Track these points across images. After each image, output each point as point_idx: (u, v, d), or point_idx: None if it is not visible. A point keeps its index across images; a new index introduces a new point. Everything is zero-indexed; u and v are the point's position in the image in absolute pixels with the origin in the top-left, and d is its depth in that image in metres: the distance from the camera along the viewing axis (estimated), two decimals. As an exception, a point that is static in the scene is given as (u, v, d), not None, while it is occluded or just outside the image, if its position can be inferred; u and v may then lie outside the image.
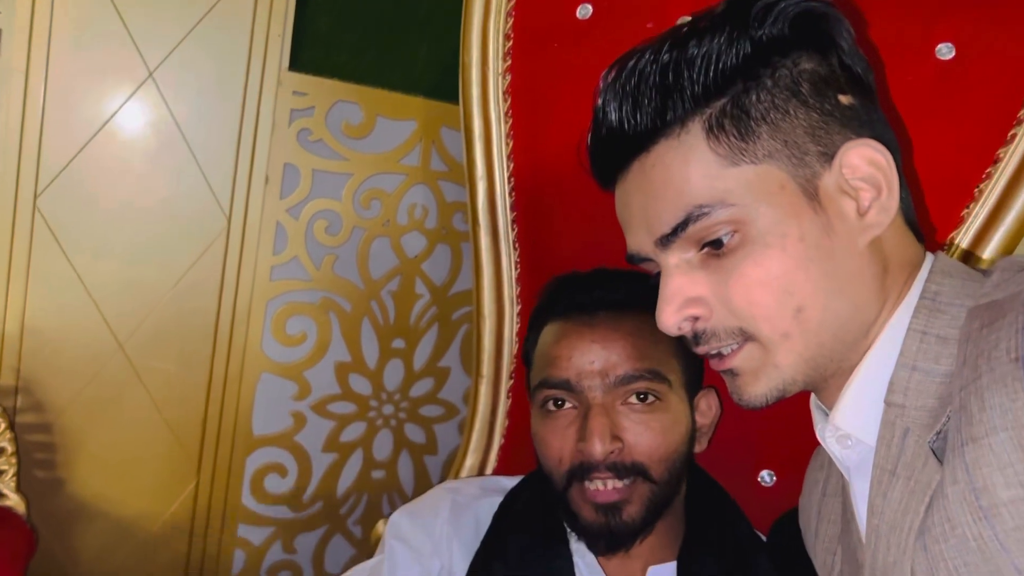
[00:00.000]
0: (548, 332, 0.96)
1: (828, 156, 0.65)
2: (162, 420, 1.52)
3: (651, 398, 0.89)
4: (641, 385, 0.89)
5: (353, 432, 1.71)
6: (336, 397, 1.67)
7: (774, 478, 1.05)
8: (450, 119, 1.69)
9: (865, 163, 0.65)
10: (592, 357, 0.89)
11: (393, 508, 1.79)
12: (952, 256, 0.89)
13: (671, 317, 0.68)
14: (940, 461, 0.59)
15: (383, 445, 1.75)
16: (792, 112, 0.65)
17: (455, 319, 1.78)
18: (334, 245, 1.63)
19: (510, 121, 1.10)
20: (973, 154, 0.95)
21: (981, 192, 0.95)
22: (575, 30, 1.07)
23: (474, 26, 1.09)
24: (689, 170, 0.65)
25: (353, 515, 1.73)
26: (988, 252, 0.95)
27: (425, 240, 1.71)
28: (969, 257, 0.96)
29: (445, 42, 1.70)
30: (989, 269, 0.67)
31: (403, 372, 1.74)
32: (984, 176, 0.95)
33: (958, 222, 0.96)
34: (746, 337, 0.66)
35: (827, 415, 0.72)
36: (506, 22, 1.08)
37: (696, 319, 0.68)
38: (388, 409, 1.74)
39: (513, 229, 1.13)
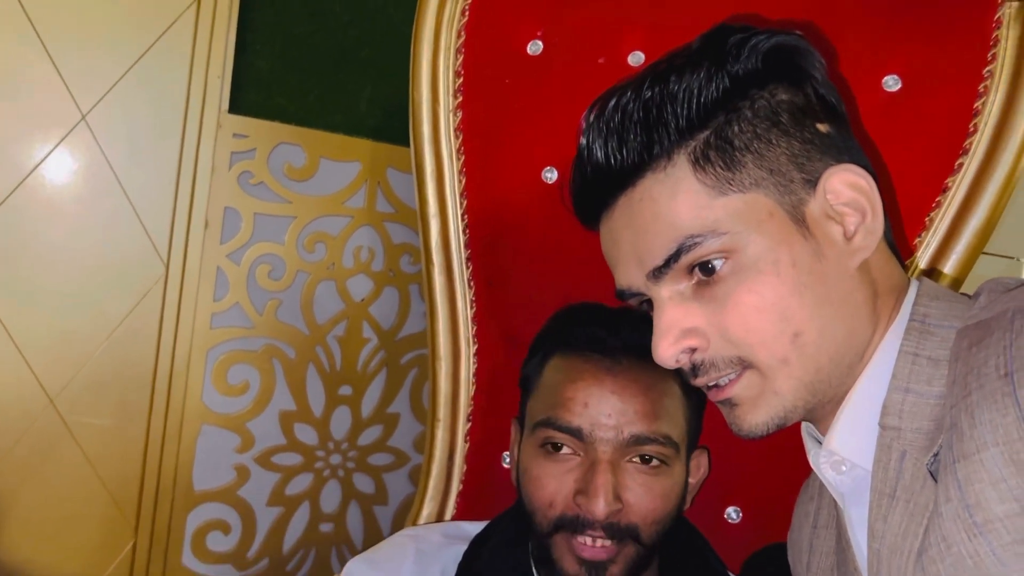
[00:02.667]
0: (560, 365, 0.90)
1: (812, 183, 0.67)
2: (97, 478, 1.43)
3: (657, 461, 0.86)
4: (652, 448, 0.85)
5: (299, 484, 1.64)
6: (281, 448, 1.61)
7: (740, 515, 1.03)
8: (396, 160, 1.67)
9: (848, 188, 0.67)
10: (609, 409, 0.85)
11: (342, 562, 1.72)
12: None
13: (668, 349, 0.67)
14: (936, 482, 0.60)
15: (331, 497, 1.69)
16: (774, 141, 0.67)
17: (404, 363, 1.74)
18: (277, 290, 1.58)
19: (463, 158, 1.09)
20: (922, 184, 0.97)
21: (932, 221, 0.97)
22: (526, 66, 1.06)
23: (423, 63, 1.08)
24: (678, 202, 0.66)
25: (300, 572, 1.66)
26: (941, 281, 0.97)
27: (372, 283, 1.68)
28: (923, 285, 0.97)
29: (390, 83, 1.69)
30: (976, 291, 0.68)
31: (350, 420, 1.69)
32: (934, 205, 0.97)
33: (911, 251, 0.98)
34: (745, 365, 0.66)
35: (819, 442, 0.72)
36: (456, 59, 1.07)
37: (693, 350, 0.67)
38: (335, 459, 1.68)
39: (468, 267, 1.10)
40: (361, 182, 1.65)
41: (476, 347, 1.12)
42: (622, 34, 1.03)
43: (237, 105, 1.51)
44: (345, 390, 1.67)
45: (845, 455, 0.68)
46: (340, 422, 1.68)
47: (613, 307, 0.94)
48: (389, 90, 1.69)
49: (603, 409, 0.85)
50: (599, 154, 0.69)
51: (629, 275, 0.70)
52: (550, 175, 1.05)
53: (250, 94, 1.55)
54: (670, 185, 0.67)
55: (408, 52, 1.11)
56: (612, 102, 0.69)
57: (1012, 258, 1.72)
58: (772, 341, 0.64)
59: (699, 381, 0.69)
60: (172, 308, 1.47)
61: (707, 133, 0.67)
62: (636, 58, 1.02)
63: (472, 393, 1.12)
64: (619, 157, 0.68)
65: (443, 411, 1.12)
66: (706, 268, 0.66)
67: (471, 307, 1.11)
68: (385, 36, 1.68)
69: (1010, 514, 0.54)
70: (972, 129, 0.94)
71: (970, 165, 0.95)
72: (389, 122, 1.68)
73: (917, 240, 0.97)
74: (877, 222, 0.67)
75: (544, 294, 1.05)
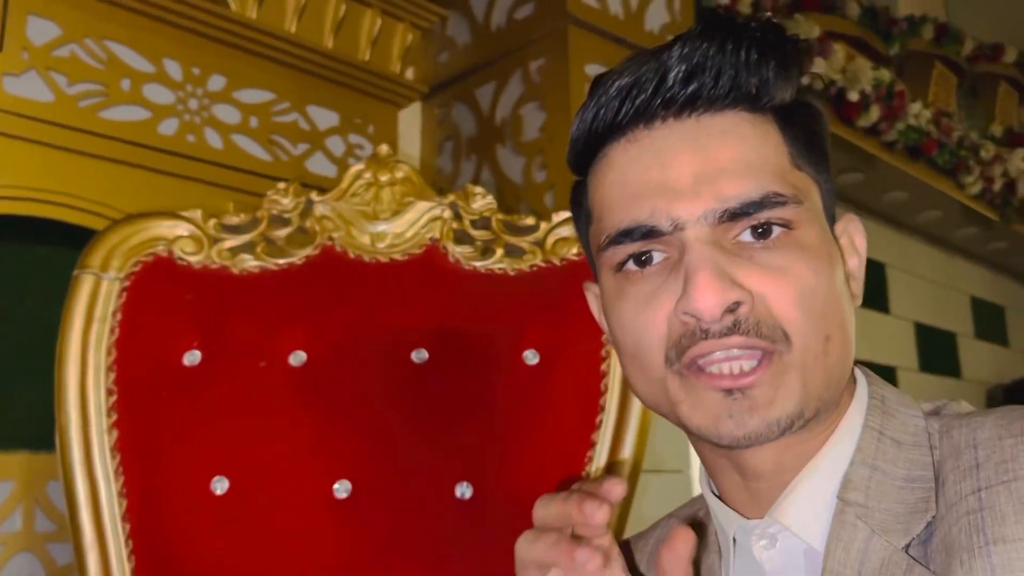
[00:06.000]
0: None
1: (834, 213, 0.65)
2: None
3: None
4: None
5: None
6: None
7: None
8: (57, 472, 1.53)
9: (859, 235, 0.66)
10: None
11: None
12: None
13: (718, 295, 0.56)
14: (927, 567, 0.56)
15: None
16: (827, 150, 0.65)
17: None
18: (-92, 652, 1.32)
19: (122, 479, 1.01)
20: (573, 442, 1.07)
21: (588, 474, 1.05)
22: (185, 377, 1.04)
23: (70, 386, 1.03)
24: (767, 152, 0.60)
25: None
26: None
27: (34, 617, 1.46)
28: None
29: (47, 390, 1.57)
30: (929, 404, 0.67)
31: None
32: (586, 460, 1.06)
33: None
34: (776, 347, 0.57)
35: (729, 508, 0.65)
36: (107, 377, 1.03)
37: (739, 305, 0.57)
38: None
39: (137, 595, 1.00)
40: (16, 503, 1.47)
41: None
42: (282, 336, 1.06)
43: None
44: None
45: (797, 531, 0.61)
46: None
47: None
48: (47, 396, 1.57)
49: None
50: (678, 71, 0.59)
51: (671, 207, 0.59)
52: (220, 485, 1.01)
53: None
54: (761, 132, 0.60)
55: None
56: (696, 37, 0.60)
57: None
58: (813, 331, 0.57)
59: (731, 341, 0.57)
60: None
61: (796, 96, 0.62)
62: (298, 358, 1.05)
63: None
64: (710, 80, 0.59)
65: None
66: (761, 230, 0.58)
67: (145, 641, 1.00)
68: (37, 338, 1.58)
69: None
70: (603, 389, 1.07)
71: (607, 420, 1.06)
72: (48, 429, 1.55)
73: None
74: (862, 283, 0.65)
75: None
